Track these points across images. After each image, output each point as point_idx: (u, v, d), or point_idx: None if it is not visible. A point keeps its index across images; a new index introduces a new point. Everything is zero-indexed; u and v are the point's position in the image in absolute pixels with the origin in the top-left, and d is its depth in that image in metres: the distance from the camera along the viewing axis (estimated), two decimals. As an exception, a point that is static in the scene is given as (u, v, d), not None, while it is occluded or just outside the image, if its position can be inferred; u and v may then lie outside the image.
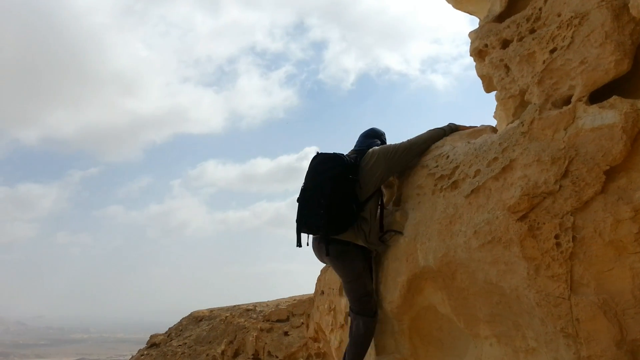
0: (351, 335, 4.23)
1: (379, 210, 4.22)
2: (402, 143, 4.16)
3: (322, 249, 4.09)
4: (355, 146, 4.47)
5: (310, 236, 4.27)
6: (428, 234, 3.69)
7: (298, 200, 4.22)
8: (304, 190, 4.21)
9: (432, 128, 4.24)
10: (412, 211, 4.00)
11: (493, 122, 5.68)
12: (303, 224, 4.16)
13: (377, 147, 4.27)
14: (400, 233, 4.02)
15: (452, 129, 4.24)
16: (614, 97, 2.73)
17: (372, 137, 4.51)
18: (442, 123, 4.20)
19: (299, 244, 4.19)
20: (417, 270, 3.80)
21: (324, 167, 4.12)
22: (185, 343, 16.22)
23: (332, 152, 4.19)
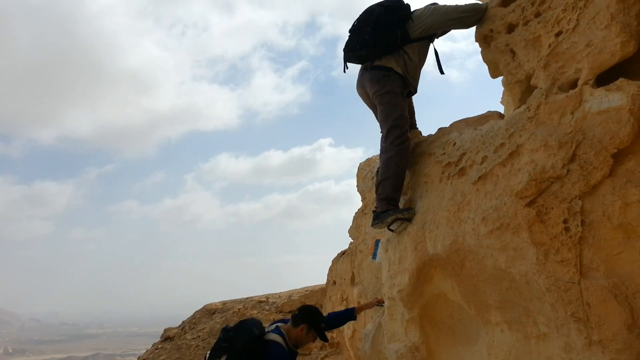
0: (381, 168, 4.26)
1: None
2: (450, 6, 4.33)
3: (365, 76, 4.42)
4: None
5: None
6: (436, 222, 3.68)
7: (349, 30, 4.55)
8: (355, 22, 4.51)
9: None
10: (419, 199, 3.99)
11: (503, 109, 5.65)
12: (349, 51, 4.51)
13: (436, 4, 4.44)
14: (409, 221, 4.02)
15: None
16: (621, 79, 2.70)
17: None
18: (456, 115, 4.22)
19: (344, 70, 4.64)
20: (426, 258, 3.80)
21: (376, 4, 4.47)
22: (199, 336, 16.30)
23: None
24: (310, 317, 3.97)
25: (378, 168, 4.38)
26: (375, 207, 4.28)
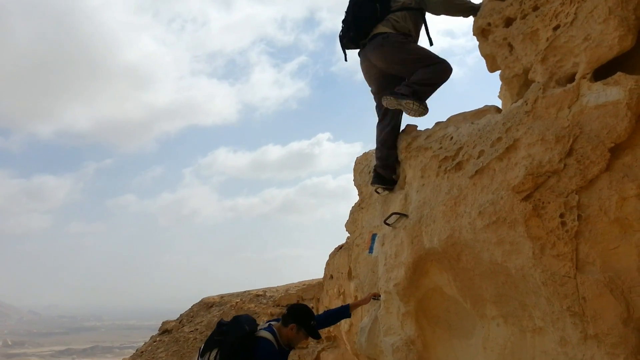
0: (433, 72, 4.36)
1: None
2: None
3: (366, 52, 4.55)
4: None
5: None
6: (433, 216, 3.68)
7: (342, 22, 4.77)
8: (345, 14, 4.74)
9: None
10: (416, 193, 3.99)
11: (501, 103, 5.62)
12: (343, 38, 4.73)
13: None
14: (405, 215, 4.02)
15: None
16: (619, 73, 2.69)
17: None
18: (455, 111, 4.24)
19: (345, 59, 4.91)
20: (422, 252, 3.80)
21: None
22: (197, 329, 16.34)
23: None
24: (299, 316, 3.94)
25: (425, 73, 4.37)
26: (409, 88, 4.29)
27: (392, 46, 4.40)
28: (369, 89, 4.84)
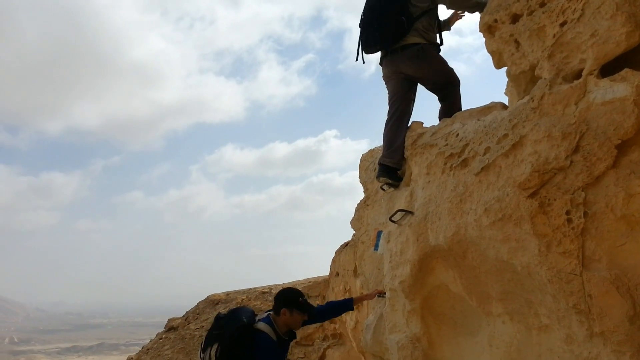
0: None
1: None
2: None
3: (394, 60, 4.61)
4: None
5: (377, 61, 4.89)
6: (438, 213, 3.67)
7: (359, 25, 4.81)
8: (362, 16, 4.78)
9: None
10: (421, 190, 3.98)
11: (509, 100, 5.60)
12: (367, 47, 4.77)
13: None
14: (411, 213, 4.01)
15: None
16: (626, 69, 2.68)
17: None
18: (462, 108, 4.28)
19: (357, 59, 4.89)
20: (428, 249, 3.80)
21: None
22: (203, 326, 16.37)
23: None
24: (285, 298, 3.95)
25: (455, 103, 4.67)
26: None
27: (427, 60, 4.54)
28: (383, 88, 4.93)
